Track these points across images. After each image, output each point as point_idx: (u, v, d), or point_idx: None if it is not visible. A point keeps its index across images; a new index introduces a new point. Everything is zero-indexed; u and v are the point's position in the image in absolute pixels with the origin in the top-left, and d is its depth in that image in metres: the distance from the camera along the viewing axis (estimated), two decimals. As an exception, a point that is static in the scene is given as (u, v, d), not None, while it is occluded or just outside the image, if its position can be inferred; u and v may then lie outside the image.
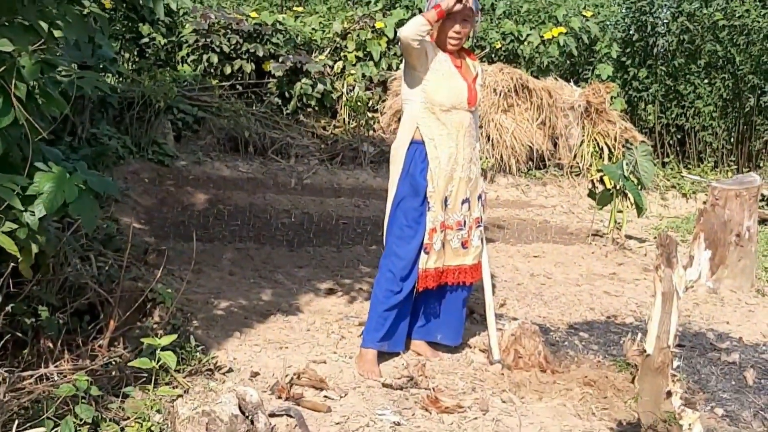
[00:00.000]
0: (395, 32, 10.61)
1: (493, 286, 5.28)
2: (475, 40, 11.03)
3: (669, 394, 3.60)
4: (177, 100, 9.12)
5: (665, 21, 11.18)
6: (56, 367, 3.71)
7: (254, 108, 9.87)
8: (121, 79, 9.10)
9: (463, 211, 4.67)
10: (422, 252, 4.57)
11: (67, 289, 4.43)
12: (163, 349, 3.74)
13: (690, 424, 3.56)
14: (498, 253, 7.41)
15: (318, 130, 10.13)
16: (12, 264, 3.74)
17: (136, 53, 9.97)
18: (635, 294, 6.52)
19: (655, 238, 8.50)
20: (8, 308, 3.91)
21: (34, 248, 3.70)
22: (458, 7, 4.40)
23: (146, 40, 9.80)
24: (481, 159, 9.38)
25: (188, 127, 9.27)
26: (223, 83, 9.95)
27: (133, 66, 9.82)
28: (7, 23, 3.34)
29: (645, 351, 3.65)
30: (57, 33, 3.40)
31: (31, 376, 3.57)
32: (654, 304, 3.65)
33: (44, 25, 3.33)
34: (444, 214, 4.59)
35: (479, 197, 4.80)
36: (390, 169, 4.67)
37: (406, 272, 4.60)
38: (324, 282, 6.14)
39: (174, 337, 3.84)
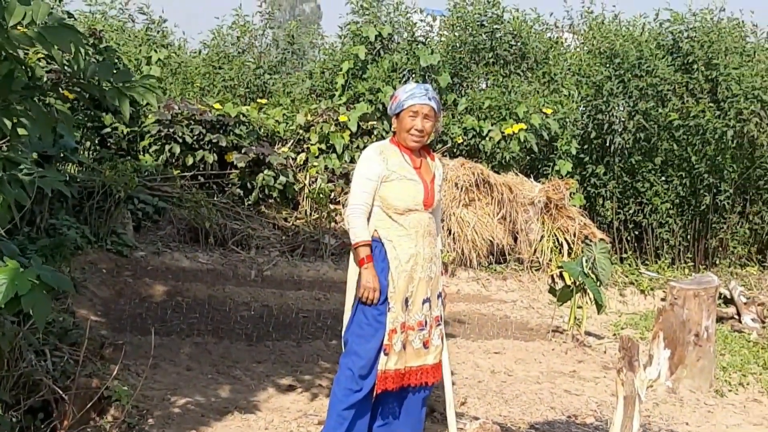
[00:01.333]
0: (358, 126, 10.73)
1: (454, 383, 5.24)
2: (437, 136, 11.15)
3: (633, 500, 3.56)
4: (138, 190, 9.08)
5: (622, 119, 11.43)
6: (7, 469, 3.59)
7: (216, 198, 9.85)
8: (81, 168, 9.05)
9: (424, 310, 4.64)
10: (382, 353, 4.53)
11: (21, 386, 4.32)
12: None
13: None
14: (459, 349, 7.37)
15: (279, 221, 10.12)
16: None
17: (97, 142, 9.94)
18: (595, 393, 6.51)
19: (614, 335, 8.53)
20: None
21: (-12, 345, 3.63)
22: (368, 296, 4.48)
23: (108, 129, 9.78)
24: (442, 252, 9.47)
25: (148, 217, 9.22)
26: (185, 173, 9.94)
27: (95, 155, 9.78)
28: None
29: (608, 456, 3.63)
30: (21, 131, 3.38)
31: (-19, 479, 3.45)
32: (616, 408, 3.65)
33: (8, 123, 3.32)
34: (405, 314, 4.56)
35: (439, 295, 4.79)
36: (349, 267, 4.65)
37: (365, 371, 4.54)
38: (283, 378, 6.05)
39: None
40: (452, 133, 11.32)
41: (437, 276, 4.76)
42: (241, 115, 10.39)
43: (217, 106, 10.37)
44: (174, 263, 8.76)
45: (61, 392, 4.30)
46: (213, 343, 6.69)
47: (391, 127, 4.84)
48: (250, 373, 6.10)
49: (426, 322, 4.66)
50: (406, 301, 4.57)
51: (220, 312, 7.60)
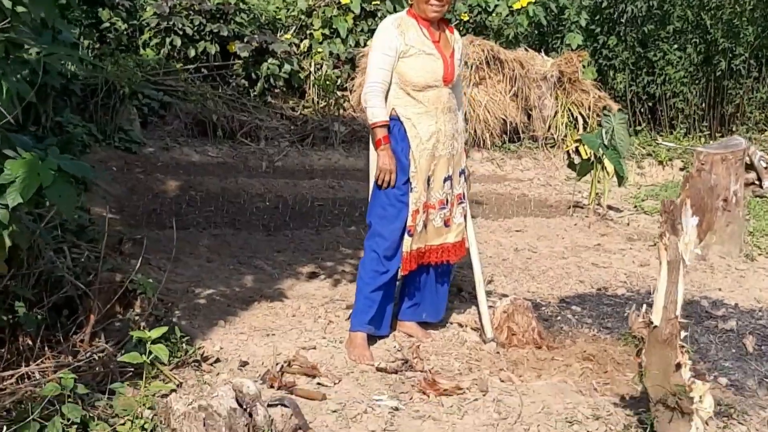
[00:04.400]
0: (361, 8, 10.39)
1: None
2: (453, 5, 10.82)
3: (678, 366, 3.48)
4: (141, 85, 8.89)
5: (634, -14, 11.05)
6: (38, 365, 3.52)
7: (221, 91, 9.65)
8: (82, 65, 8.82)
9: (445, 189, 4.53)
10: (406, 234, 4.42)
11: (43, 283, 4.22)
12: (154, 342, 3.55)
13: (700, 396, 3.45)
14: (480, 229, 7.23)
15: (287, 111, 9.93)
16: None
17: (96, 39, 9.67)
18: (623, 264, 6.42)
19: (636, 207, 8.41)
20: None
21: (7, 241, 3.50)
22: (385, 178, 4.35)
23: (107, 25, 9.49)
24: (466, 131, 9.28)
25: (154, 112, 9.05)
26: (188, 66, 9.72)
27: (95, 52, 9.53)
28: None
29: (652, 323, 3.53)
30: (20, 9, 3.17)
31: (12, 375, 3.38)
32: (659, 274, 3.53)
33: (7, 3, 3.11)
34: (426, 193, 4.44)
35: (461, 173, 4.65)
36: (370, 148, 4.50)
37: (390, 252, 4.47)
38: (305, 266, 5.97)
39: (164, 329, 3.65)
40: (457, 11, 11.00)
41: (460, 153, 4.61)
42: (240, 3, 10.06)
43: (216, -6, 10.05)
44: (184, 158, 8.64)
45: (84, 288, 4.20)
46: (231, 235, 6.60)
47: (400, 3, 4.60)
48: (271, 263, 6.02)
49: (447, 200, 4.56)
50: (428, 179, 4.43)
51: (234, 204, 7.50)
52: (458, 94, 4.65)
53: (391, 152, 4.34)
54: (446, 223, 4.58)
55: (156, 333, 3.55)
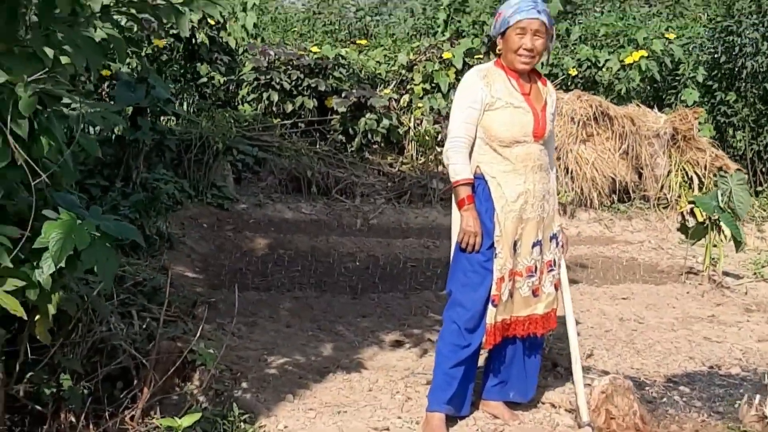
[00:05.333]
0: (464, 62, 10.09)
1: (578, 334, 4.64)
2: (548, 68, 10.46)
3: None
4: (237, 140, 8.77)
5: (755, 41, 10.40)
6: (78, 446, 3.23)
7: (317, 146, 9.47)
8: (178, 121, 8.78)
9: (534, 255, 4.10)
10: (489, 304, 4.00)
11: (97, 352, 3.97)
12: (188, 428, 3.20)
13: None
14: (582, 296, 6.78)
15: (384, 167, 9.67)
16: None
17: (196, 95, 9.66)
18: (739, 339, 5.82)
19: (755, 274, 7.74)
20: (26, 378, 3.47)
21: (51, 309, 3.25)
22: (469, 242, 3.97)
23: (204, 80, 9.45)
24: (559, 193, 8.84)
25: (249, 168, 8.91)
26: (285, 122, 9.58)
27: (194, 107, 9.51)
28: (6, 52, 2.90)
29: (766, 417, 3.01)
30: (64, 59, 2.93)
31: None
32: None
33: (49, 52, 2.86)
34: (513, 260, 4.01)
35: (553, 237, 4.21)
36: (453, 208, 4.13)
37: (472, 324, 4.06)
38: (390, 333, 5.61)
39: (197, 416, 3.29)
40: (565, 65, 10.63)
41: (551, 215, 4.18)
42: (339, 57, 9.92)
43: (315, 49, 9.94)
44: (276, 215, 8.44)
45: (141, 357, 3.92)
46: (315, 297, 6.31)
47: (494, 50, 4.25)
48: (354, 329, 5.68)
49: (536, 267, 4.12)
50: (515, 244, 4.02)
51: (323, 264, 7.22)
52: (550, 151, 4.24)
53: (475, 213, 3.96)
54: (534, 293, 4.15)
55: (188, 420, 3.19)
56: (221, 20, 9.42)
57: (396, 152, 10.10)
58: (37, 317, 3.29)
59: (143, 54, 8.84)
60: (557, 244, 4.26)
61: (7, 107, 2.71)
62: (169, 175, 7.84)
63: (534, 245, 4.09)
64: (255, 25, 10.55)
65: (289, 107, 9.60)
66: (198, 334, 4.10)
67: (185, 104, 9.34)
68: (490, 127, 3.98)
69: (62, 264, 2.96)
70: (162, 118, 8.08)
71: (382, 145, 9.96)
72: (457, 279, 4.09)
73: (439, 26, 11.02)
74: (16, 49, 2.89)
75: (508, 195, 3.98)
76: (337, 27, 12.91)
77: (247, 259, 7.17)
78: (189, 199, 7.93)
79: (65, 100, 2.93)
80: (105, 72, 7.64)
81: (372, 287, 6.71)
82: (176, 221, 7.42)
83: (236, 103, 9.85)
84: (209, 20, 9.18)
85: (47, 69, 2.87)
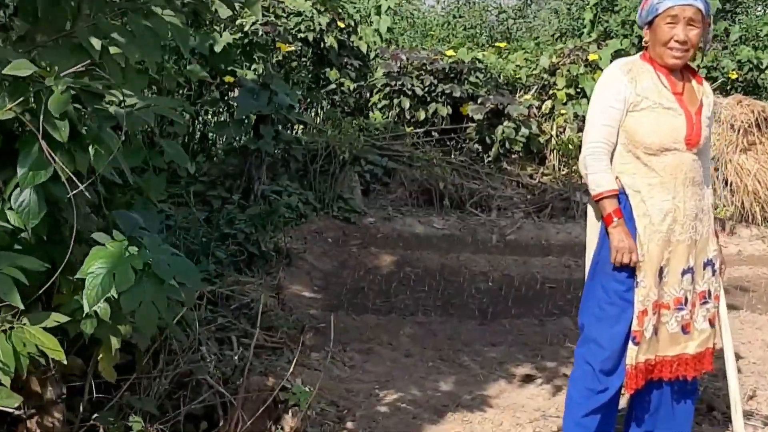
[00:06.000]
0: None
1: (739, 371, 4.00)
2: (705, 71, 9.70)
3: None
4: (365, 150, 8.42)
5: None
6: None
7: (451, 156, 9.04)
8: (305, 129, 8.46)
9: (684, 284, 3.44)
10: (630, 342, 3.37)
11: (182, 387, 3.55)
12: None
13: None
14: (743, 325, 6.04)
15: (523, 178, 9.15)
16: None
17: (325, 102, 9.35)
18: None
19: None
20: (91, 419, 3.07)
21: (115, 343, 2.84)
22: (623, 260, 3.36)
23: (333, 86, 9.12)
24: (717, 208, 8.04)
25: (377, 179, 8.53)
26: (416, 130, 9.17)
27: (322, 116, 9.21)
28: (50, 43, 2.50)
29: None
30: (113, 49, 2.49)
31: None
32: None
33: (96, 42, 2.43)
34: (658, 290, 3.36)
35: (708, 263, 3.51)
36: (587, 225, 3.52)
37: (609, 365, 3.45)
38: (520, 365, 5.04)
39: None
40: (724, 68, 10.00)
41: (705, 238, 3.49)
42: (476, 61, 9.43)
43: (449, 52, 9.48)
44: (406, 229, 7.99)
45: (229, 395, 3.48)
46: (439, 322, 5.82)
47: (641, 42, 3.61)
48: (480, 359, 5.14)
49: (686, 299, 3.45)
50: (661, 271, 3.36)
51: (452, 284, 6.72)
52: (705, 162, 3.56)
53: (626, 228, 3.35)
54: (684, 329, 3.47)
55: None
56: (352, 23, 9.08)
57: (536, 162, 9.59)
58: (101, 355, 2.91)
59: (273, 60, 8.58)
60: (713, 272, 3.56)
61: (39, 107, 2.29)
62: (293, 187, 7.58)
63: (684, 273, 3.42)
64: (390, 30, 10.18)
65: (422, 114, 9.24)
66: (292, 368, 3.62)
67: (313, 112, 9.04)
68: (635, 132, 3.36)
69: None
70: (288, 126, 7.77)
71: (522, 154, 9.46)
72: (591, 311, 3.50)
73: (585, 26, 10.42)
74: (60, 40, 2.47)
75: (652, 213, 3.34)
76: (477, 31, 12.41)
77: (371, 278, 6.74)
78: (314, 212, 7.60)
79: (110, 98, 2.48)
80: (228, 78, 7.37)
81: (504, 311, 6.19)
82: (299, 235, 7.08)
83: (367, 111, 9.49)
84: (339, 23, 8.86)
85: (87, 62, 2.43)
